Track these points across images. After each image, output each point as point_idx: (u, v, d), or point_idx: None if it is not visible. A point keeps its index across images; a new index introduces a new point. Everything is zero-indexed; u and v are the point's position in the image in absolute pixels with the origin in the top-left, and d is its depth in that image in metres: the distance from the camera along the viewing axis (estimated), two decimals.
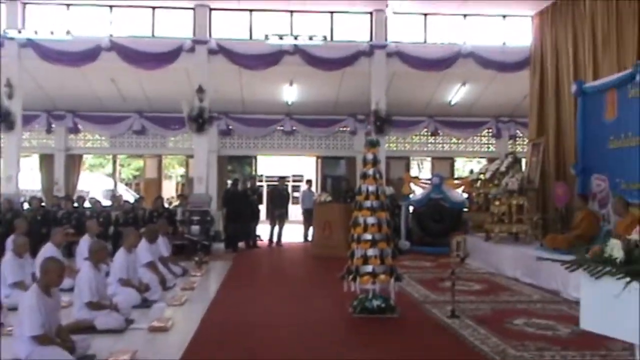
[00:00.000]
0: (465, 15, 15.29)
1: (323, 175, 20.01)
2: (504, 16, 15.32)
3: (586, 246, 2.92)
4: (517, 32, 15.32)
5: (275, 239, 15.37)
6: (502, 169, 12.20)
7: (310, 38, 14.35)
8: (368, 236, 7.00)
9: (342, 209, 13.58)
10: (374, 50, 14.97)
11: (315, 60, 14.77)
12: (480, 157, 19.49)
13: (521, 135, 18.66)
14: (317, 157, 19.77)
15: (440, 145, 19.23)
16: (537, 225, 11.57)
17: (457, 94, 17.07)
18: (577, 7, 12.58)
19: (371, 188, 7.11)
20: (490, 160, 17.93)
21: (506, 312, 7.26)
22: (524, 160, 14.26)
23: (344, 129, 18.65)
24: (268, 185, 23.01)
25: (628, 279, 2.38)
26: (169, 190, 26.45)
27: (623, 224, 8.37)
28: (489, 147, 19.28)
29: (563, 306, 7.70)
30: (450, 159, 19.61)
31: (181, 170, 27.36)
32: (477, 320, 6.74)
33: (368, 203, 7.07)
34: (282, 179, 16.93)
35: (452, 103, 17.46)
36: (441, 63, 15.07)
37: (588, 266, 2.49)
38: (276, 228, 15.42)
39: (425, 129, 18.73)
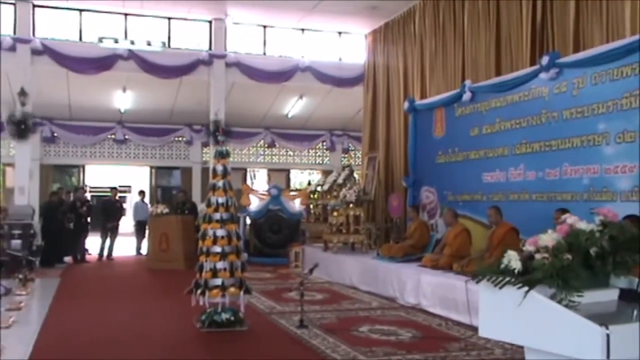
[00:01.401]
0: (303, 30, 15.65)
1: (157, 186, 19.35)
2: (340, 33, 15.90)
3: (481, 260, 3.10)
4: (352, 49, 15.98)
5: (106, 252, 14.56)
6: (340, 181, 12.63)
7: (149, 43, 13.83)
8: (217, 249, 6.85)
9: (179, 221, 13.23)
10: (213, 59, 14.81)
11: (152, 67, 14.27)
12: (315, 169, 20.03)
13: (354, 148, 19.47)
14: (151, 167, 19.07)
15: (276, 157, 19.46)
16: (371, 235, 12.10)
17: (294, 106, 17.40)
18: (408, 27, 13.44)
19: (221, 200, 6.98)
20: (325, 173, 18.53)
21: (351, 320, 7.47)
22: (356, 173, 14.91)
23: (180, 138, 18.20)
24: (93, 196, 21.69)
25: (526, 288, 2.54)
26: None
27: (453, 232, 9.04)
28: (323, 160, 19.87)
29: (401, 312, 8.09)
30: (286, 171, 19.92)
31: None
32: (325, 329, 6.85)
33: (217, 215, 6.93)
34: (114, 189, 16.07)
35: (289, 116, 17.77)
36: (280, 76, 15.28)
37: (490, 277, 2.62)
38: (107, 241, 14.62)
39: (262, 140, 18.87)
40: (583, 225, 2.70)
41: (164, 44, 14.37)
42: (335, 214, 11.73)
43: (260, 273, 11.99)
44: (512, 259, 2.60)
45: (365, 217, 11.98)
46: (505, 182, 9.00)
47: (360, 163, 17.32)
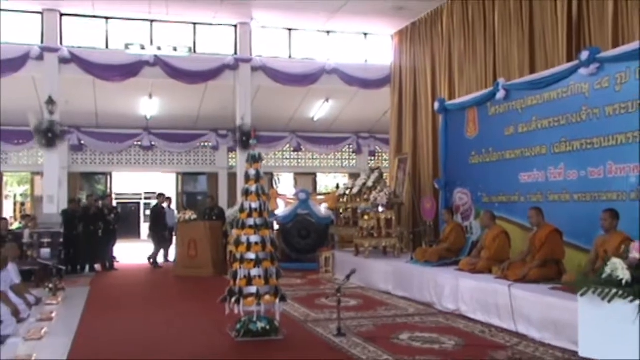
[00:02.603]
0: (328, 32, 15.49)
1: (183, 192, 19.32)
2: (366, 34, 15.72)
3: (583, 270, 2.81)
4: (379, 50, 15.78)
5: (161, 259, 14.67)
6: (369, 183, 12.38)
7: (175, 49, 13.77)
8: (252, 255, 6.67)
9: (207, 227, 13.13)
10: (239, 63, 14.72)
11: (178, 72, 14.22)
12: (342, 173, 19.85)
13: (380, 151, 19.25)
14: (177, 174, 19.04)
15: (302, 161, 19.32)
16: (403, 239, 11.86)
17: (320, 109, 17.24)
18: (435, 27, 13.22)
19: (254, 205, 6.81)
20: (352, 176, 18.34)
21: (389, 327, 7.24)
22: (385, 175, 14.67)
23: (206, 144, 18.16)
24: (118, 204, 21.71)
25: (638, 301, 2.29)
26: (7, 211, 24.22)
27: (491, 235, 8.78)
28: (350, 163, 19.68)
29: (440, 318, 7.84)
30: (313, 174, 19.78)
31: (21, 189, 25.15)
32: (364, 338, 6.64)
33: (251, 221, 6.76)
34: (161, 196, 15.95)
35: (315, 119, 17.61)
36: (306, 79, 15.14)
37: (596, 289, 2.38)
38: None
39: (288, 145, 18.74)
40: None
41: (190, 49, 14.31)
42: (366, 217, 11.51)
43: (290, 279, 11.79)
44: (619, 268, 2.36)
45: (396, 221, 11.74)
46: (544, 182, 8.70)
47: (387, 165, 17.09)
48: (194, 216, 13.47)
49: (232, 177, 17.40)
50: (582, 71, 7.95)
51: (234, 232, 12.40)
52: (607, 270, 2.33)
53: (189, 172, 18.95)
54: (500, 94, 9.61)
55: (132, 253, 17.19)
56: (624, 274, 2.28)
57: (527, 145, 9.08)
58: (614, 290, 2.25)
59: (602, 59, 7.72)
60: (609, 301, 2.26)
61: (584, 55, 7.92)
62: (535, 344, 6.31)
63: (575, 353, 5.83)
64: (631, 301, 2.23)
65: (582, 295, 2.37)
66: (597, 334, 2.37)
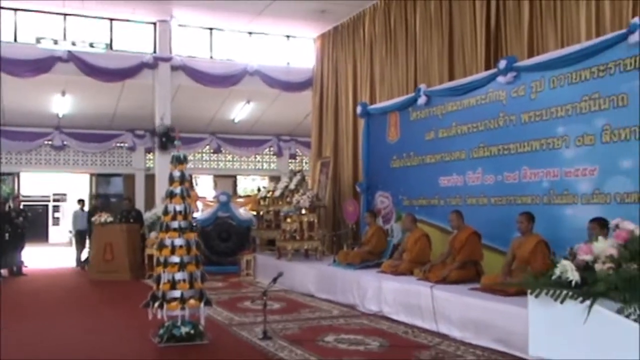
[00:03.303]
0: (251, 33, 15.37)
1: (97, 193, 18.61)
2: (288, 37, 15.70)
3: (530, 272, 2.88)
4: (301, 53, 15.81)
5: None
6: (292, 186, 12.37)
7: (92, 45, 13.24)
8: (176, 259, 6.50)
9: (124, 230, 12.75)
10: (158, 62, 14.34)
11: (93, 70, 13.69)
12: (262, 175, 19.73)
13: (301, 154, 19.28)
14: (91, 175, 18.34)
15: (222, 163, 19.07)
16: (325, 241, 11.92)
17: (241, 111, 17.07)
18: (357, 32, 13.36)
19: (179, 207, 6.63)
20: (272, 179, 18.27)
21: (314, 330, 7.25)
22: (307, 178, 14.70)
23: (122, 144, 17.58)
24: (25, 206, 20.62)
25: (589, 301, 2.35)
26: None
27: (412, 238, 8.96)
28: (270, 165, 19.60)
29: (363, 320, 7.92)
30: (233, 177, 19.56)
31: None
32: (289, 340, 6.60)
33: (175, 224, 6.59)
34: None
35: (236, 120, 17.43)
36: (227, 80, 14.95)
37: (548, 290, 2.43)
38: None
39: (208, 146, 18.45)
40: None
41: (107, 45, 13.81)
42: (288, 220, 11.49)
43: (211, 283, 11.43)
44: (569, 270, 2.42)
45: (319, 223, 11.79)
46: (463, 186, 8.96)
47: (307, 168, 17.14)
48: (110, 219, 13.02)
49: (149, 178, 16.91)
50: (500, 79, 8.24)
51: (152, 235, 12.24)
52: (557, 272, 2.40)
53: (104, 174, 18.29)
54: (422, 100, 9.82)
55: (40, 257, 16.45)
56: (573, 276, 2.36)
57: (447, 150, 9.32)
58: (565, 292, 2.32)
59: (518, 68, 8.04)
60: (562, 302, 2.33)
61: (502, 63, 8.22)
62: (456, 343, 6.49)
63: (494, 351, 6.06)
64: (581, 302, 2.31)
65: (536, 296, 2.42)
66: (547, 334, 2.44)
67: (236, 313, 8.39)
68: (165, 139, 14.03)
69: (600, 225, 5.97)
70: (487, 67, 9.20)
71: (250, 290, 10.81)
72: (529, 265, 6.82)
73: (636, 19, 6.55)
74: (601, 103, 6.88)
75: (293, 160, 19.56)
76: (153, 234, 12.38)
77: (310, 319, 8.02)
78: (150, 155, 17.53)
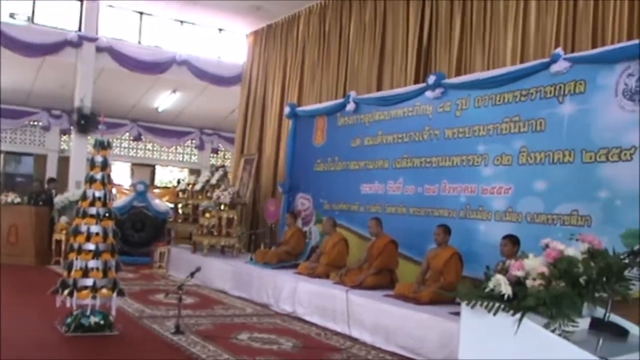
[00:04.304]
0: (182, 22, 15.08)
1: (4, 172, 17.71)
2: (220, 30, 15.52)
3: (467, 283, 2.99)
4: (233, 48, 15.65)
5: None
6: (213, 181, 12.22)
7: (12, 16, 12.59)
8: (91, 246, 6.30)
9: (32, 213, 12.18)
10: (83, 41, 13.80)
11: (14, 42, 13.00)
12: (182, 167, 19.39)
13: (223, 149, 19.09)
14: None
15: (142, 152, 18.60)
16: (241, 239, 11.85)
17: (166, 100, 16.72)
18: (291, 32, 13.37)
19: (98, 194, 6.43)
20: (192, 171, 17.99)
21: (228, 327, 7.20)
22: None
23: (36, 122, 16.80)
24: None
25: (519, 314, 2.47)
26: None
27: (331, 241, 9.07)
28: (191, 158, 19.30)
29: (277, 319, 7.94)
30: (152, 166, 19.10)
31: None
32: (202, 336, 6.53)
33: (93, 210, 6.38)
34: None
35: (160, 109, 17.05)
36: (154, 67, 14.59)
37: (483, 302, 2.52)
38: None
39: (128, 133, 17.95)
40: (571, 251, 2.70)
41: (28, 18, 13.17)
42: (207, 215, 11.35)
43: (122, 273, 11.24)
44: (502, 284, 2.54)
45: (238, 221, 11.72)
46: (384, 195, 9.15)
47: (229, 164, 16.99)
48: (18, 199, 12.42)
49: (63, 161, 16.26)
50: (428, 94, 8.49)
51: (62, 220, 11.77)
52: (491, 285, 2.52)
53: (13, 152, 17.42)
54: (350, 106, 9.96)
55: None
56: (506, 289, 2.49)
57: (371, 158, 9.50)
58: (497, 304, 2.45)
59: (446, 85, 8.31)
60: (494, 314, 2.46)
61: (431, 79, 8.47)
62: (367, 347, 6.63)
63: (403, 357, 6.23)
64: (512, 315, 2.44)
65: (472, 307, 2.54)
66: (477, 343, 2.56)
67: (147, 305, 8.21)
68: (85, 121, 13.51)
69: (512, 242, 6.30)
70: (416, 81, 9.44)
71: (162, 283, 10.60)
72: (442, 276, 7.08)
73: (559, 50, 6.94)
74: (521, 126, 7.22)
75: (215, 155, 19.35)
76: (64, 219, 11.95)
77: (224, 316, 7.97)
78: (65, 137, 16.86)
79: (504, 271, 2.66)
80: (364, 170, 9.63)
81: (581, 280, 2.59)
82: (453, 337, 5.06)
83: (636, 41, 6.27)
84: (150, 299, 8.74)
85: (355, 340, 6.90)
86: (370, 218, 8.49)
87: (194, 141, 19.00)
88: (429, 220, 8.14)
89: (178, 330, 6.58)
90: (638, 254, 2.73)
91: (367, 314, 6.97)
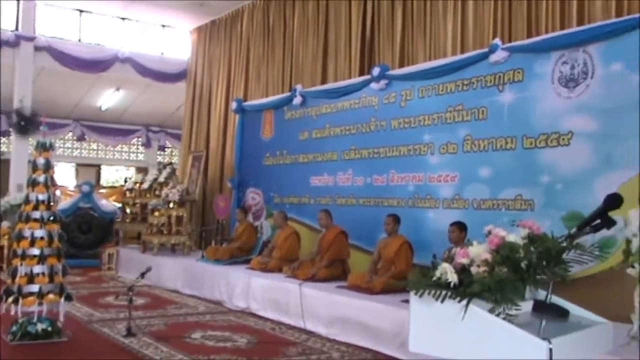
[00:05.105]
0: (124, 19, 14.78)
1: None
2: (164, 26, 15.28)
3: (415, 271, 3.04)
4: (176, 44, 15.43)
5: None
6: (161, 179, 12.07)
7: None
8: (35, 251, 6.15)
9: None
10: (20, 41, 13.37)
11: None
12: (128, 166, 19.04)
13: (171, 146, 18.83)
14: None
15: (86, 151, 18.18)
16: (191, 237, 11.75)
17: (109, 99, 16.38)
18: (235, 28, 13.29)
19: (41, 197, 6.27)
20: (139, 170, 17.70)
21: (180, 326, 7.15)
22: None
23: None
24: None
25: (465, 301, 2.52)
26: None
27: (283, 235, 9.08)
28: (137, 156, 18.97)
29: (230, 316, 7.92)
30: (97, 166, 18.70)
31: None
32: (155, 337, 6.47)
33: (37, 214, 6.22)
34: None
35: (103, 108, 16.69)
36: (96, 65, 14.24)
37: (430, 290, 2.56)
38: None
39: (71, 133, 17.51)
40: (512, 237, 2.77)
41: None
42: (156, 213, 11.21)
43: (69, 277, 10.99)
44: (448, 272, 2.59)
45: (188, 218, 11.60)
46: (334, 187, 9.21)
47: (177, 161, 16.78)
48: None
49: (3, 164, 15.72)
50: (373, 85, 8.57)
51: (3, 225, 11.42)
52: (437, 273, 2.58)
53: None
54: (297, 100, 9.97)
55: None
56: (452, 277, 2.55)
57: (320, 150, 9.53)
58: (444, 292, 2.51)
59: (390, 76, 8.40)
60: (442, 301, 2.52)
61: (375, 71, 8.55)
62: (322, 339, 6.68)
63: (359, 347, 6.31)
64: (459, 301, 2.51)
65: (420, 296, 2.59)
66: (427, 331, 2.63)
67: (97, 309, 8.07)
68: (25, 122, 13.10)
69: (460, 229, 6.44)
70: (361, 73, 9.51)
71: (111, 285, 10.43)
72: (393, 265, 7.18)
73: (497, 40, 7.10)
74: (464, 115, 7.36)
75: (162, 152, 19.07)
76: (5, 224, 11.60)
77: (176, 315, 7.90)
78: (5, 139, 16.34)
79: (450, 259, 2.73)
80: (313, 163, 9.66)
81: (522, 264, 2.67)
82: (406, 325, 5.15)
83: (570, 30, 6.49)
84: (99, 302, 8.59)
85: (310, 333, 6.94)
86: (320, 210, 8.54)
87: (140, 139, 18.67)
88: (378, 210, 8.24)
89: (130, 333, 6.49)
90: (575, 236, 2.82)
91: (321, 307, 7.01)
